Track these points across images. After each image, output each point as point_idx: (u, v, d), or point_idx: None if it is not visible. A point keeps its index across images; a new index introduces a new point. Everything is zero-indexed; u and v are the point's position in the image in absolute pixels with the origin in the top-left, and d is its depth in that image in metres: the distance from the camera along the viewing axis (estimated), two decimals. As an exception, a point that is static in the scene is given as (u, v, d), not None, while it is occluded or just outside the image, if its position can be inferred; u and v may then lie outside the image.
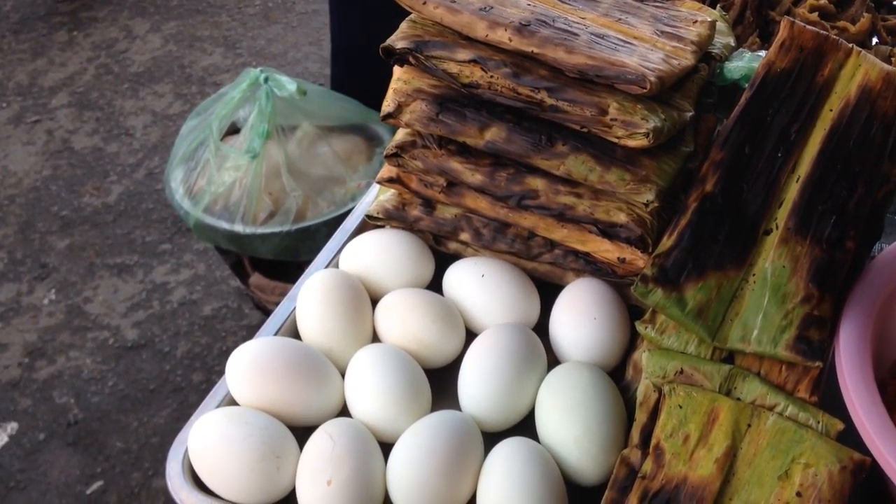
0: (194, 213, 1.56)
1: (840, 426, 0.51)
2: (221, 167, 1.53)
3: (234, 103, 1.54)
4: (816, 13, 0.81)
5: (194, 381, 1.78)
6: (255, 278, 1.74)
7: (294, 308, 0.65)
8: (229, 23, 2.67)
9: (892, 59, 0.81)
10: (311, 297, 0.63)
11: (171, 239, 2.07)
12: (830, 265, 0.55)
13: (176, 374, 1.81)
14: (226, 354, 1.80)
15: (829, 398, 0.53)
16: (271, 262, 1.66)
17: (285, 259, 1.62)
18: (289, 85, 1.50)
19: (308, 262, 1.68)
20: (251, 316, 1.87)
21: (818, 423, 0.52)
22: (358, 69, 1.81)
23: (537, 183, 0.62)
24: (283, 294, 1.81)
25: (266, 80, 1.51)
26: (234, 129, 1.62)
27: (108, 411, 1.75)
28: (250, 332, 1.85)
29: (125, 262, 2.01)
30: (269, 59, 2.52)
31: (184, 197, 1.59)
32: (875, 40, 0.85)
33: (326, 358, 0.60)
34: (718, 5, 0.84)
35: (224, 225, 1.54)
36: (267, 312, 1.81)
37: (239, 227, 1.53)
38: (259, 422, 0.56)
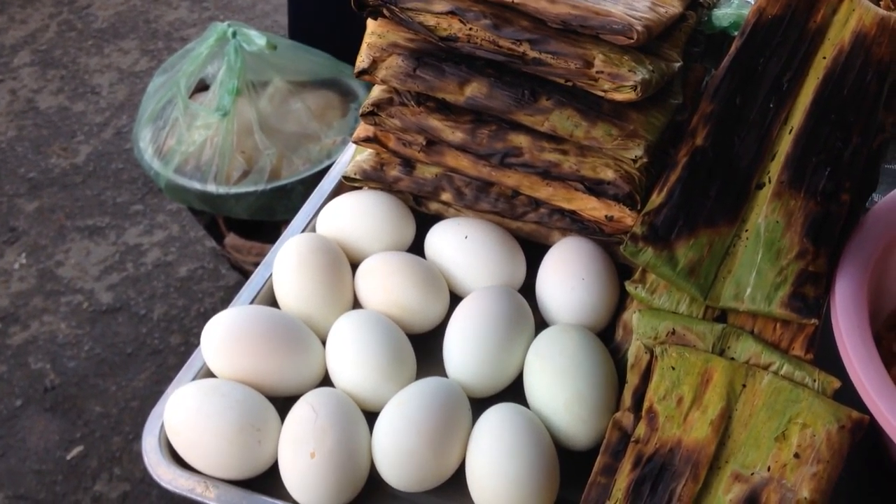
0: (165, 173, 1.52)
1: (837, 384, 0.50)
2: (191, 126, 1.48)
3: (202, 59, 1.49)
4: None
5: (172, 343, 1.76)
6: (231, 239, 1.70)
7: (270, 275, 0.62)
8: (194, -25, 2.58)
9: (882, 1, 0.79)
10: (288, 263, 0.60)
11: (142, 199, 2.03)
12: (825, 219, 0.53)
13: (153, 336, 1.79)
14: (203, 316, 1.78)
15: (824, 354, 0.52)
16: (247, 221, 1.63)
17: (261, 219, 1.58)
18: (258, 39, 1.45)
19: (284, 222, 1.65)
20: (228, 276, 1.84)
21: (814, 381, 0.51)
22: (316, 18, 1.75)
23: (521, 140, 0.60)
24: (260, 254, 1.79)
25: (234, 34, 1.46)
26: (202, 86, 1.57)
27: (86, 376, 1.72)
28: (227, 294, 1.82)
29: (96, 224, 1.97)
30: (238, 13, 2.45)
31: (153, 157, 1.55)
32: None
33: (306, 326, 0.58)
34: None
35: (196, 185, 1.50)
36: (244, 273, 1.78)
37: (212, 187, 1.49)
38: (237, 393, 0.54)
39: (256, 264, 1.81)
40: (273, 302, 0.62)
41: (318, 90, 1.63)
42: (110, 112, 2.18)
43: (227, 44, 1.49)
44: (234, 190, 1.50)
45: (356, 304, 0.62)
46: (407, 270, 0.60)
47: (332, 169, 0.70)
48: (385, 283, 0.60)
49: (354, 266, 0.63)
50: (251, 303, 0.62)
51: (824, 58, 0.56)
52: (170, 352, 1.75)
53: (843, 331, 0.50)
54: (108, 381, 1.70)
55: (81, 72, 2.28)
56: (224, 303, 1.82)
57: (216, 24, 1.53)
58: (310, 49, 1.70)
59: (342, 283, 0.60)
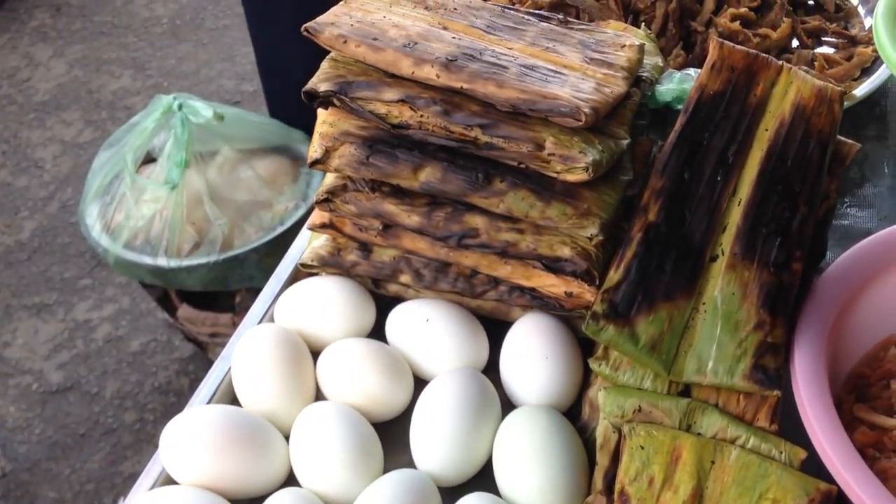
0: (113, 249, 1.49)
1: (803, 454, 0.51)
2: (139, 200, 1.47)
3: (148, 133, 1.48)
4: (738, 21, 0.81)
5: (126, 421, 1.71)
6: (184, 310, 1.67)
7: (229, 369, 0.61)
8: (136, 43, 2.57)
9: (815, 62, 0.82)
10: (247, 357, 0.59)
11: (91, 273, 1.98)
12: (780, 289, 0.54)
13: (106, 415, 1.73)
14: (158, 391, 1.74)
15: (788, 422, 0.53)
16: (200, 292, 1.61)
17: (215, 289, 1.56)
18: (204, 111, 1.45)
19: (238, 291, 1.62)
20: (182, 348, 1.81)
21: (781, 453, 0.51)
22: (288, 80, 1.76)
23: (477, 221, 0.60)
24: (215, 325, 1.75)
25: (180, 107, 1.46)
26: (149, 159, 1.55)
27: (38, 460, 1.66)
28: (182, 366, 1.78)
29: (44, 302, 1.92)
30: (182, 79, 2.44)
31: (101, 233, 1.52)
32: (795, 43, 0.86)
33: (268, 422, 0.57)
34: (641, 18, 0.84)
35: (146, 260, 1.48)
36: (199, 344, 1.74)
37: (163, 261, 1.47)
38: (198, 501, 0.52)
39: (212, 335, 1.77)
40: (233, 398, 0.60)
41: (268, 156, 1.62)
42: (54, 185, 2.14)
43: (172, 116, 1.48)
44: (185, 262, 1.48)
45: (319, 395, 0.61)
46: (369, 357, 0.59)
47: (287, 254, 0.70)
48: (348, 372, 0.59)
49: (315, 354, 0.62)
50: (210, 400, 0.60)
51: (766, 130, 0.58)
52: (124, 430, 1.70)
53: (806, 402, 0.50)
54: (62, 464, 1.65)
55: (24, 146, 2.25)
56: (179, 375, 1.78)
57: (161, 97, 1.52)
58: (257, 116, 1.70)
59: (304, 375, 0.60)
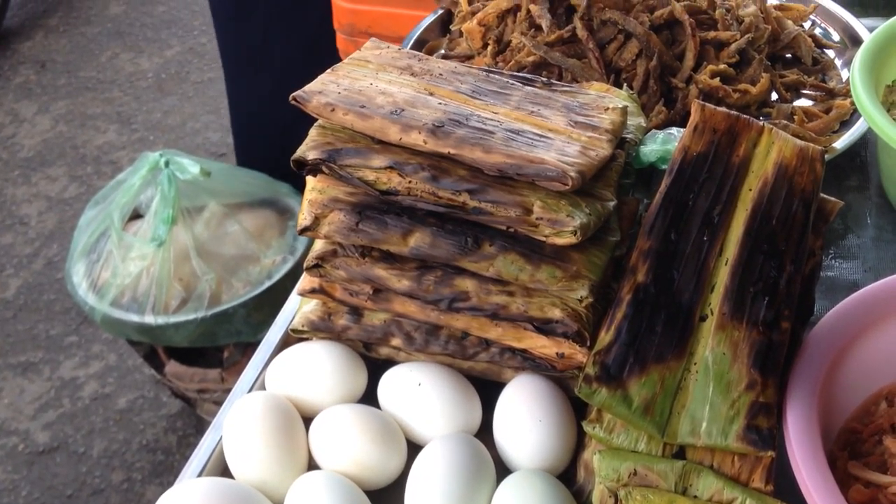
0: (100, 307, 1.49)
1: (798, 515, 0.51)
2: (126, 257, 1.46)
3: (135, 190, 1.48)
4: (717, 78, 0.83)
5: (114, 481, 1.68)
6: (171, 366, 1.66)
7: (220, 439, 0.60)
8: (122, 98, 2.58)
9: (795, 115, 0.84)
10: (238, 427, 0.59)
11: (77, 330, 1.97)
12: (770, 348, 0.54)
13: (94, 475, 1.71)
14: (146, 448, 1.71)
15: (782, 481, 0.53)
16: (188, 347, 1.59)
17: (202, 345, 1.55)
18: (191, 167, 1.46)
19: (227, 346, 1.61)
20: (170, 405, 1.79)
21: (777, 514, 0.51)
22: (262, 138, 1.78)
23: (467, 284, 0.60)
24: (203, 381, 1.74)
25: (167, 164, 1.46)
26: (136, 215, 1.55)
27: (24, 525, 1.63)
28: (170, 423, 1.76)
29: (29, 360, 1.90)
30: (167, 133, 2.45)
31: (88, 291, 1.51)
32: (775, 97, 0.88)
33: (260, 494, 0.57)
34: (623, 76, 0.85)
35: (133, 317, 1.47)
36: (187, 400, 1.72)
37: (150, 319, 1.47)
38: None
39: (200, 391, 1.76)
40: (224, 469, 0.60)
41: (255, 210, 1.63)
42: (40, 242, 2.13)
43: (159, 173, 1.49)
44: (173, 319, 1.47)
45: (311, 463, 0.60)
46: (362, 424, 0.59)
47: (277, 319, 0.70)
48: (340, 439, 0.58)
49: (308, 420, 0.62)
50: (201, 472, 0.60)
51: (750, 190, 0.59)
52: (112, 490, 1.67)
53: (800, 462, 0.50)
54: (48, 528, 1.62)
55: (8, 203, 2.24)
56: (167, 433, 1.76)
57: (148, 155, 1.53)
58: (243, 170, 1.71)
59: (296, 443, 0.59)
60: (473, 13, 0.97)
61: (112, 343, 1.91)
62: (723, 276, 0.57)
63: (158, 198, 1.46)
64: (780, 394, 0.54)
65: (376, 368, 0.65)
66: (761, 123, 0.60)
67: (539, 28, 0.88)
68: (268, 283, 1.52)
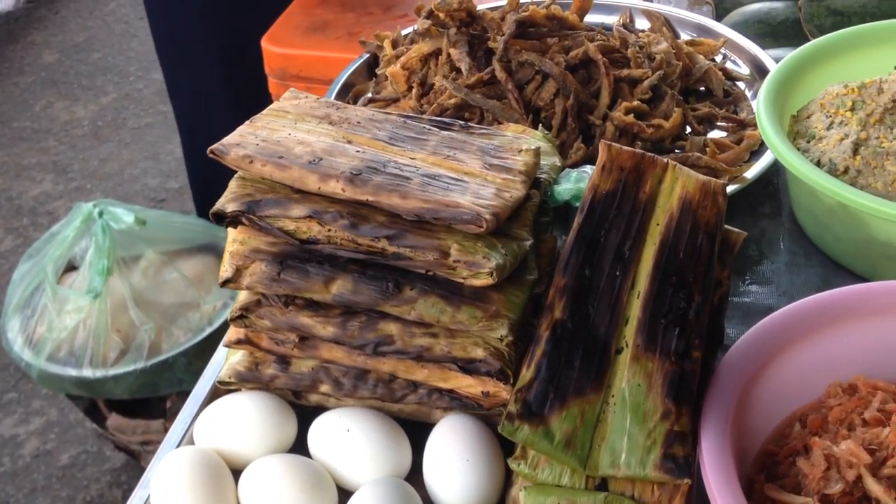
0: (37, 363, 1.46)
1: (716, 540, 0.52)
2: (61, 311, 1.44)
3: (69, 242, 1.46)
4: (631, 114, 0.86)
5: (58, 540, 1.64)
6: (113, 419, 1.63)
7: (148, 497, 0.60)
8: (57, 147, 2.55)
9: (707, 147, 0.87)
10: (166, 484, 0.58)
11: (15, 386, 1.92)
12: (682, 378, 0.56)
13: (37, 535, 1.66)
14: (90, 506, 1.67)
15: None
16: (130, 399, 1.57)
17: (144, 396, 1.53)
18: (125, 216, 1.45)
19: (169, 396, 1.59)
20: (114, 458, 1.75)
21: (695, 540, 0.52)
22: (218, 180, 1.77)
23: (391, 328, 0.61)
24: (147, 432, 1.71)
25: (101, 214, 1.45)
26: (71, 267, 1.53)
27: (-38, 592, 1.58)
28: (114, 477, 1.72)
29: (-35, 421, 1.85)
30: (105, 181, 2.43)
31: (23, 347, 1.48)
32: (689, 129, 0.91)
33: (191, 550, 0.56)
34: (542, 115, 0.88)
35: (71, 371, 1.45)
36: (131, 453, 1.69)
37: (88, 372, 1.44)
38: None
39: (143, 443, 1.73)
40: (154, 526, 0.59)
41: (194, 256, 1.62)
42: (-26, 297, 2.08)
43: (93, 224, 1.47)
44: (111, 371, 1.45)
45: (243, 516, 0.60)
46: (290, 474, 0.59)
47: (205, 372, 0.69)
48: (269, 492, 0.58)
49: (238, 473, 0.62)
50: (130, 531, 0.59)
51: (658, 224, 0.61)
52: (56, 550, 1.62)
53: (714, 488, 0.52)
54: None
55: (-60, 258, 2.19)
56: (111, 487, 1.72)
57: (81, 206, 1.51)
58: (182, 216, 1.70)
59: (224, 498, 0.59)
60: (398, 57, 0.99)
61: (52, 398, 1.87)
62: (635, 309, 0.59)
63: (93, 249, 1.44)
64: (695, 421, 0.56)
65: (307, 416, 0.66)
66: (665, 160, 0.63)
67: (459, 71, 0.90)
68: (209, 330, 1.51)
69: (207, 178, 1.74)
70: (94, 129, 2.64)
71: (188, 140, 1.75)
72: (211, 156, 0.63)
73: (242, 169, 0.62)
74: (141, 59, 2.89)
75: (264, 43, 1.38)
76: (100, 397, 1.54)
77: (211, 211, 0.61)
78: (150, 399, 1.59)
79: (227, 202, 0.61)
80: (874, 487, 0.54)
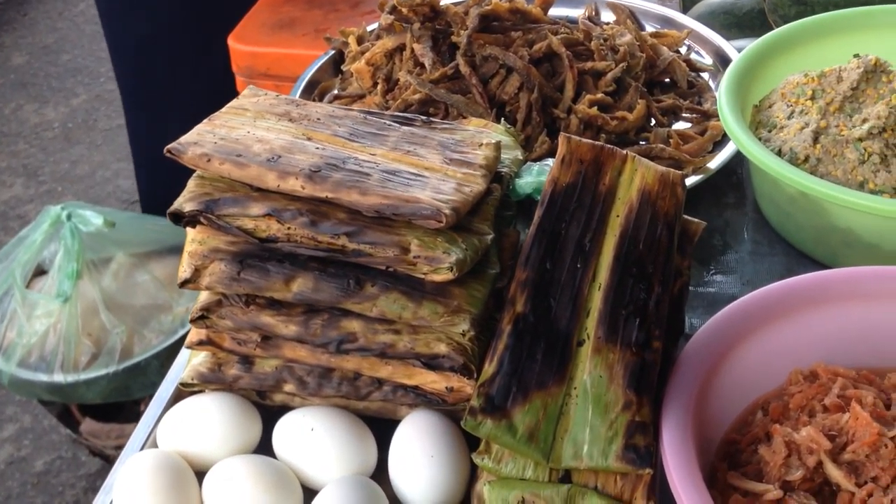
0: (7, 369, 1.44)
1: (679, 529, 0.52)
2: (31, 316, 1.42)
3: (37, 246, 1.45)
4: (595, 107, 0.86)
5: (34, 547, 1.62)
6: (87, 424, 1.62)
7: (111, 502, 0.59)
8: (27, 150, 2.52)
9: (671, 139, 0.87)
10: (128, 488, 0.58)
11: (-13, 393, 1.90)
12: (643, 368, 0.56)
13: (12, 543, 1.64)
14: (65, 512, 1.66)
15: (667, 496, 0.54)
16: (103, 403, 1.55)
17: (116, 400, 1.52)
18: (94, 219, 1.43)
19: (143, 399, 1.58)
20: (89, 464, 1.73)
21: (658, 529, 0.52)
22: (167, 183, 1.76)
23: (354, 325, 0.61)
24: (121, 436, 1.70)
25: (69, 216, 1.43)
26: (40, 271, 1.51)
27: None
28: (90, 483, 1.71)
29: (-63, 429, 1.82)
30: (76, 183, 2.40)
31: (-7, 353, 1.46)
32: (654, 121, 0.91)
33: (154, 553, 0.56)
34: (507, 109, 0.88)
35: (42, 377, 1.43)
36: (106, 458, 1.68)
37: (59, 377, 1.43)
38: None
39: (118, 448, 1.72)
40: (117, 531, 0.59)
41: (165, 258, 1.60)
42: (-56, 304, 2.05)
43: (62, 227, 1.46)
44: (83, 376, 1.43)
45: (207, 517, 0.60)
46: (256, 475, 0.59)
47: (169, 374, 0.69)
48: (232, 493, 0.58)
49: (203, 475, 0.61)
50: (93, 536, 0.59)
51: (618, 216, 0.61)
52: (32, 557, 1.61)
53: (675, 476, 0.52)
54: None
55: None
56: (88, 493, 1.70)
57: (49, 208, 1.50)
58: (152, 218, 1.69)
59: (188, 501, 0.58)
60: (363, 53, 0.98)
61: (26, 404, 1.85)
62: (596, 301, 0.59)
63: (62, 252, 1.43)
64: (657, 411, 0.56)
65: (272, 416, 0.65)
66: (624, 152, 0.63)
67: (424, 66, 0.90)
68: (181, 332, 1.50)
69: (158, 187, 1.72)
70: (65, 131, 2.61)
71: (141, 146, 1.73)
72: (168, 155, 0.62)
73: (200, 168, 0.62)
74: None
75: (231, 41, 1.37)
76: (72, 402, 1.53)
77: (168, 211, 0.61)
78: (123, 403, 1.57)
79: (184, 202, 0.61)
80: (834, 473, 0.55)
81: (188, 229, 0.63)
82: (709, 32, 1.02)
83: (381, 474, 0.62)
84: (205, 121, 0.66)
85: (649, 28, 1.05)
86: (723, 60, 0.98)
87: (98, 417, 1.61)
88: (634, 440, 0.54)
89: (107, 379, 1.42)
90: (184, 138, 0.63)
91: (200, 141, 0.63)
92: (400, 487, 0.60)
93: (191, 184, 0.63)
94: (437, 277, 0.58)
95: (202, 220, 0.61)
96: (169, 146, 0.62)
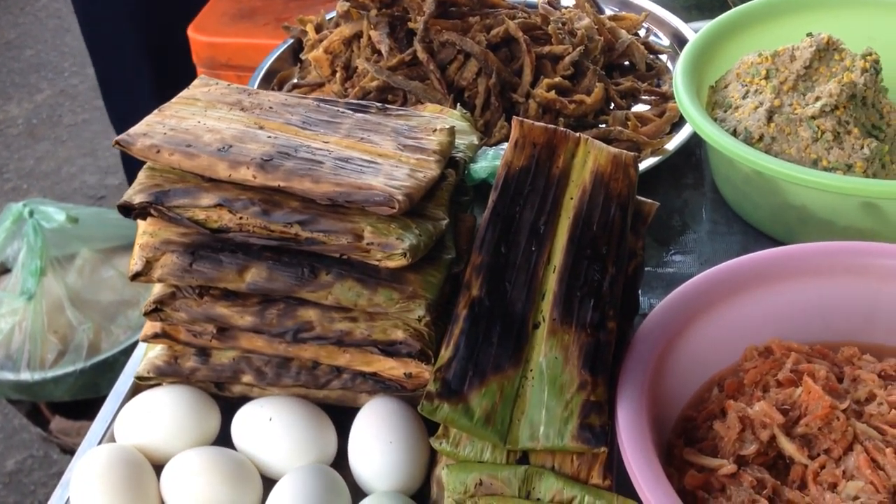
0: (-28, 369, 1.42)
1: (634, 506, 0.53)
2: (-5, 314, 1.40)
3: (-1, 244, 1.43)
4: (553, 91, 0.86)
5: (6, 548, 1.61)
6: (57, 422, 1.60)
7: (68, 498, 0.59)
8: (-10, 147, 2.48)
9: (629, 122, 0.88)
10: (86, 484, 0.57)
11: (-45, 394, 1.87)
12: (598, 349, 0.57)
13: (-16, 544, 1.63)
14: (38, 512, 1.64)
15: (623, 474, 0.55)
16: (72, 401, 1.54)
17: (85, 397, 1.50)
18: (57, 215, 1.41)
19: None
20: (61, 462, 1.72)
21: (614, 507, 0.53)
22: None
23: (310, 314, 0.61)
24: (92, 433, 1.66)
25: (31, 213, 1.41)
26: (3, 269, 1.50)
27: None
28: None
29: None
30: (42, 180, 2.37)
31: (-43, 353, 1.44)
32: (612, 105, 0.92)
33: (112, 548, 0.55)
34: (466, 94, 0.87)
35: (8, 375, 1.42)
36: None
37: (26, 375, 1.41)
38: None
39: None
40: (75, 527, 0.58)
41: (131, 253, 1.59)
42: None
43: (24, 224, 1.44)
44: (50, 374, 1.42)
45: (166, 511, 0.59)
46: (213, 467, 0.58)
47: (126, 368, 0.68)
48: (192, 485, 0.58)
49: (161, 469, 0.61)
50: (50, 533, 0.58)
51: (571, 198, 0.61)
52: (4, 558, 1.59)
53: (629, 454, 0.52)
54: None
55: None
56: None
57: (11, 206, 1.48)
58: (116, 212, 1.67)
59: (146, 495, 0.58)
60: (321, 41, 0.98)
61: (-6, 404, 1.83)
62: (551, 284, 0.59)
63: (25, 249, 1.41)
64: (612, 390, 0.56)
65: (231, 408, 0.65)
66: (577, 135, 0.63)
67: (381, 53, 0.89)
68: (150, 327, 1.48)
69: None
70: (29, 127, 2.57)
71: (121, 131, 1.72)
72: (116, 147, 0.61)
73: (150, 159, 0.61)
74: (75, 55, 2.82)
75: (191, 32, 1.35)
76: (41, 400, 1.51)
77: (118, 203, 0.60)
78: (93, 400, 1.56)
79: (134, 194, 0.60)
80: (787, 446, 0.56)
81: (139, 222, 0.62)
82: (667, 14, 1.03)
83: (341, 462, 0.62)
84: (155, 111, 0.65)
85: (608, 11, 1.05)
86: (680, 42, 0.99)
87: (68, 415, 1.59)
88: (589, 420, 0.54)
89: (74, 376, 1.41)
90: (133, 129, 0.62)
91: (150, 132, 0.62)
92: (360, 474, 0.60)
93: (141, 175, 0.62)
94: (391, 264, 0.58)
95: (152, 211, 0.60)
96: (117, 138, 0.61)
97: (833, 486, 0.53)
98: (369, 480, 0.59)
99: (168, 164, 0.61)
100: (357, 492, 0.60)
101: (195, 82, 0.69)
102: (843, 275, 0.65)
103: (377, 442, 0.59)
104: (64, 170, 2.42)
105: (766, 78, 0.80)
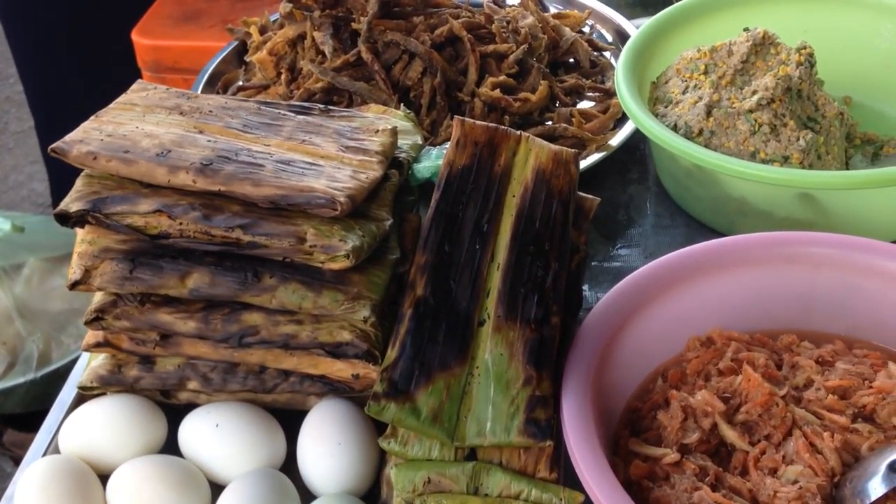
0: (-83, 384, 1.39)
1: (580, 497, 0.54)
2: (-60, 328, 1.37)
3: (-58, 255, 1.39)
4: (498, 89, 0.87)
5: (-42, 566, 1.57)
6: (10, 435, 1.57)
7: (12, 512, 0.58)
8: (-67, 157, 2.42)
9: (574, 118, 0.88)
10: (29, 497, 0.57)
11: None
12: (542, 344, 0.57)
13: (-65, 564, 1.59)
14: (-9, 528, 1.61)
15: (570, 467, 0.55)
16: (24, 413, 1.51)
17: (38, 409, 1.47)
18: (2, 224, 1.38)
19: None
20: (14, 475, 1.68)
21: (561, 500, 0.54)
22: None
23: (255, 318, 0.61)
24: (45, 446, 1.62)
25: (-26, 223, 1.38)
26: (-52, 282, 1.46)
27: None
28: (16, 495, 1.66)
29: None
30: (-13, 189, 2.32)
31: None
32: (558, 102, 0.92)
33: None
34: (412, 94, 0.88)
35: (-44, 390, 1.39)
36: (31, 469, 1.63)
37: (-26, 389, 1.38)
38: None
39: (42, 458, 1.65)
40: (19, 541, 0.57)
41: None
42: None
43: (-33, 234, 1.40)
44: (0, 386, 1.39)
45: (113, 522, 0.59)
46: (159, 474, 0.58)
47: (70, 378, 0.67)
48: (138, 494, 0.57)
49: (107, 478, 0.60)
50: (-7, 549, 0.57)
51: (514, 196, 0.62)
52: (-44, 577, 1.56)
53: (574, 446, 0.53)
54: None
55: None
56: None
57: (-48, 217, 1.44)
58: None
59: (91, 505, 0.57)
60: (265, 43, 0.97)
61: (-57, 419, 1.78)
62: (496, 281, 0.59)
63: (-31, 261, 1.37)
64: (557, 384, 0.57)
65: (178, 415, 0.64)
66: (518, 133, 0.64)
67: (325, 54, 0.89)
68: (101, 336, 1.46)
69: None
70: (-27, 135, 2.51)
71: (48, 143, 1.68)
72: (53, 154, 0.60)
73: (87, 166, 0.60)
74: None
75: (135, 36, 1.33)
76: (-10, 414, 1.48)
77: (54, 212, 0.59)
78: (45, 411, 1.53)
79: (71, 202, 0.59)
80: (729, 433, 0.57)
81: (77, 230, 0.61)
82: (610, 12, 1.04)
83: (291, 466, 0.61)
84: (91, 118, 0.64)
85: (552, 9, 1.06)
86: (624, 39, 1.00)
87: (20, 427, 1.56)
88: (535, 414, 0.55)
89: (25, 387, 1.38)
90: (69, 136, 0.61)
91: (86, 139, 0.61)
92: (309, 477, 0.60)
93: (78, 183, 0.61)
94: (335, 265, 0.58)
95: (90, 219, 0.59)
96: (53, 145, 0.60)
97: (773, 471, 0.54)
98: (319, 483, 0.59)
99: (105, 171, 0.60)
100: (307, 495, 0.59)
101: (133, 87, 0.68)
102: (780, 264, 0.66)
103: (325, 444, 0.59)
104: (11, 178, 2.37)
105: (705, 73, 0.81)
